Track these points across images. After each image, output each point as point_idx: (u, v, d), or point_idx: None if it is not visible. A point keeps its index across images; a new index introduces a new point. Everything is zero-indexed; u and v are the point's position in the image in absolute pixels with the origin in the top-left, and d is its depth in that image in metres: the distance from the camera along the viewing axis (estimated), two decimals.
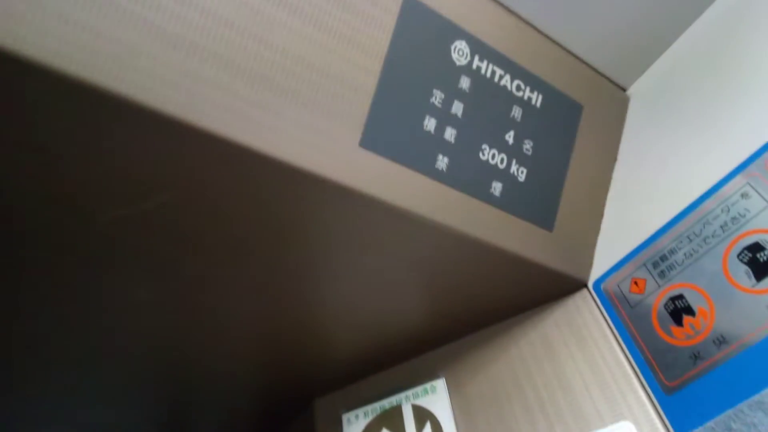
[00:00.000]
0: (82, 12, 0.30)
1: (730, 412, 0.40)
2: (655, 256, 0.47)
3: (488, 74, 0.45)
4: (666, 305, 0.45)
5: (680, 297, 0.45)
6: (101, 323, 0.49)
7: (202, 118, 0.33)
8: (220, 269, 0.45)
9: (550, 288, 0.52)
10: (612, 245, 0.51)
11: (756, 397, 0.39)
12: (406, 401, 0.57)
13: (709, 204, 0.45)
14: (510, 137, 0.46)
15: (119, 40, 0.31)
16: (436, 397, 0.56)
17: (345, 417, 0.60)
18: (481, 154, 0.45)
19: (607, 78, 0.54)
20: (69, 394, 0.61)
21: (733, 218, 0.43)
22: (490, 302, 0.53)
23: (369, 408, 0.58)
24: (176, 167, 0.36)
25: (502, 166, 0.46)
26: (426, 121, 0.42)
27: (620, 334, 0.48)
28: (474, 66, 0.44)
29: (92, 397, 0.61)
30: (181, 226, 0.41)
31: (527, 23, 0.48)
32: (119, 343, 0.52)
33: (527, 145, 0.47)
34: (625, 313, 0.48)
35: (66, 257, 0.42)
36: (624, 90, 0.56)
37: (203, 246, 0.43)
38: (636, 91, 0.56)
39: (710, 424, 0.40)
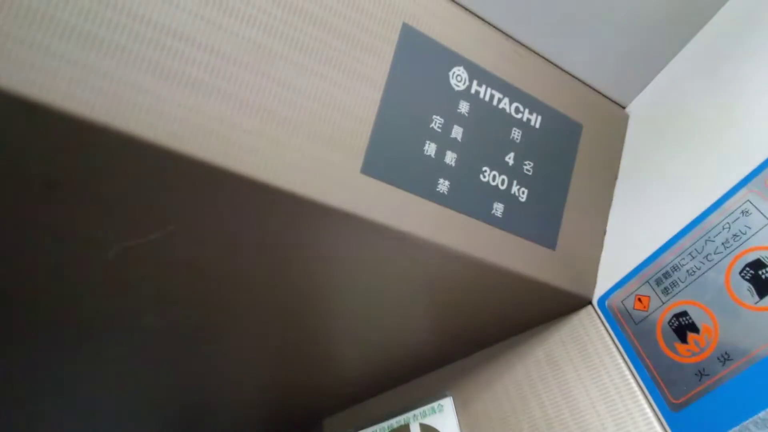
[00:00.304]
0: (89, 55, 0.32)
1: (736, 429, 0.40)
2: (658, 272, 0.47)
3: (487, 98, 0.45)
4: (670, 322, 0.46)
5: (684, 314, 0.45)
6: (109, 351, 0.50)
7: (205, 151, 0.34)
8: (226, 295, 0.46)
9: (554, 306, 0.52)
10: (615, 262, 0.51)
11: (761, 414, 0.39)
12: (414, 420, 0.57)
13: (710, 221, 0.45)
14: (510, 159, 0.47)
15: (124, 79, 0.32)
16: (444, 416, 0.56)
17: None
18: (481, 176, 0.45)
19: (606, 96, 0.55)
20: (72, 412, 0.62)
21: (735, 235, 0.43)
22: (495, 321, 0.54)
23: (377, 427, 0.59)
24: (181, 200, 0.37)
25: (503, 188, 0.46)
26: (426, 146, 0.43)
27: (626, 351, 0.48)
28: (472, 91, 0.45)
29: (100, 417, 0.62)
30: (187, 256, 0.41)
31: (524, 46, 0.49)
32: (129, 367, 0.53)
33: (527, 166, 0.48)
34: (630, 330, 0.48)
35: (72, 288, 0.43)
36: (623, 108, 0.57)
37: (209, 273, 0.43)
38: (635, 108, 0.56)
39: None
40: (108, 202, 0.37)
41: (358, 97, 0.40)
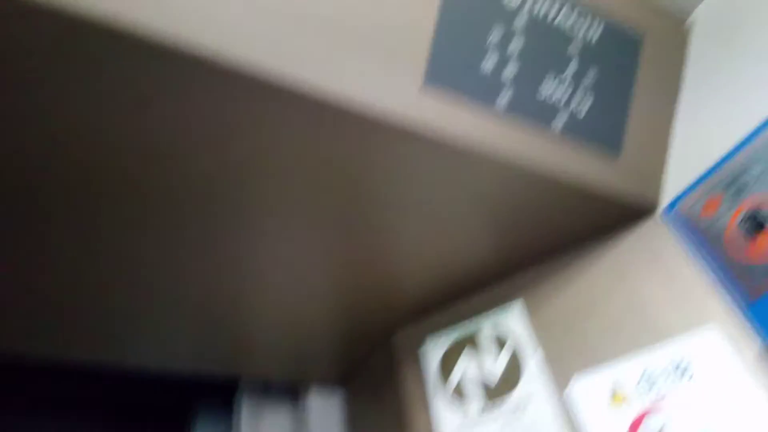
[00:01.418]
0: None
1: None
2: (729, 176, 0.47)
3: (545, 10, 0.46)
4: (740, 224, 0.45)
5: (755, 215, 0.45)
6: (162, 267, 0.52)
7: (271, 64, 0.36)
8: (295, 212, 0.48)
9: (621, 214, 0.53)
10: (682, 169, 0.51)
11: None
12: (485, 323, 0.60)
13: None
14: (570, 71, 0.48)
15: None
16: (515, 318, 0.58)
17: (424, 345, 0.63)
18: (541, 89, 0.47)
19: (667, 6, 0.54)
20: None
21: None
22: (561, 231, 0.55)
23: (449, 334, 0.62)
24: (246, 118, 0.39)
25: (563, 100, 0.47)
26: (485, 60, 0.44)
27: (695, 256, 0.48)
28: (530, 3, 0.46)
29: (147, 341, 0.65)
30: (258, 176, 0.44)
31: None
32: (190, 291, 0.55)
33: (588, 78, 0.48)
34: (698, 235, 0.48)
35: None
36: (685, 17, 0.56)
37: (276, 190, 0.46)
38: (698, 17, 0.55)
39: None
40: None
41: (416, 9, 0.41)
